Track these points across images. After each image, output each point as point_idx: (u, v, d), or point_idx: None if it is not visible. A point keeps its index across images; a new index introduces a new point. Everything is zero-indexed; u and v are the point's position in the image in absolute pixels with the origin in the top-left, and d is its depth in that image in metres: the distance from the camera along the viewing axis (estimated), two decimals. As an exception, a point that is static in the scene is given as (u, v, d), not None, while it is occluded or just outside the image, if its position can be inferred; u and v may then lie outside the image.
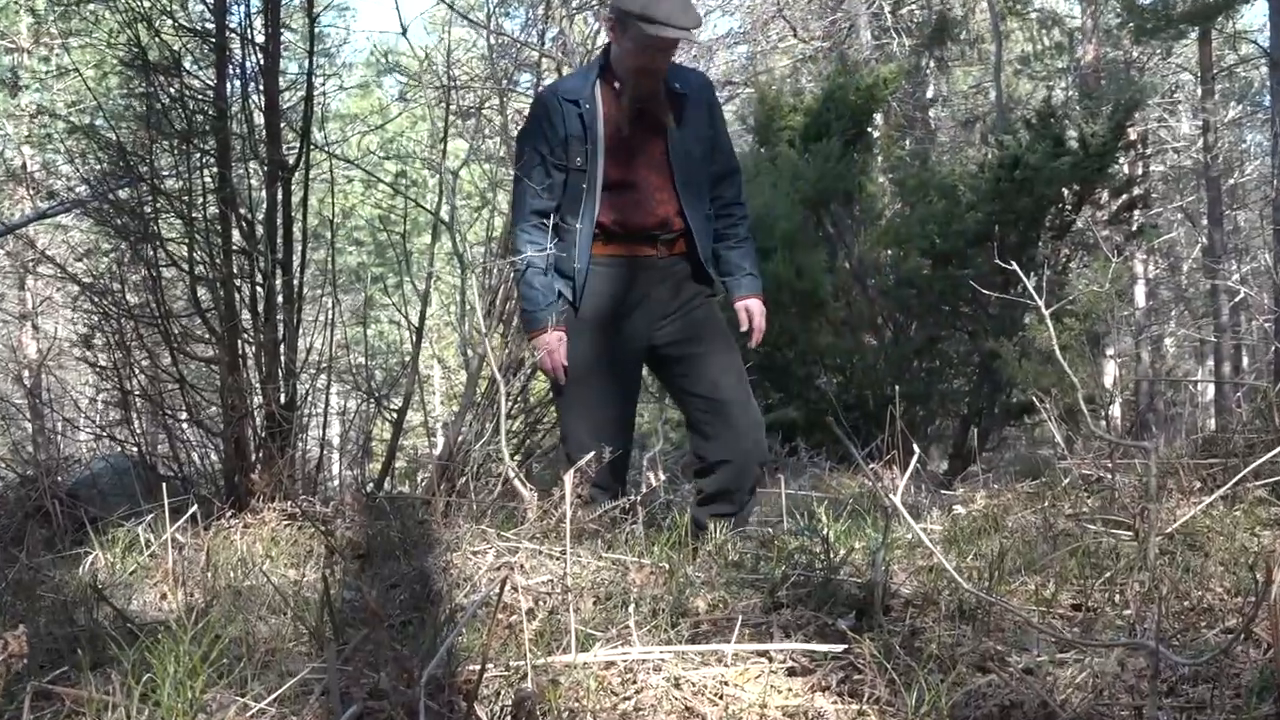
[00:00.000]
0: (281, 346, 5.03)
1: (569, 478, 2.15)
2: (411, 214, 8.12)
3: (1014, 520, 3.31)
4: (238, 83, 5.17)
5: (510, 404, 5.74)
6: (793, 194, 9.54)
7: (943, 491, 4.56)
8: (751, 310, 3.67)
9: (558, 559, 2.68)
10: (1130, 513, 3.04)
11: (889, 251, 9.92)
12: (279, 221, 5.12)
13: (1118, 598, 2.47)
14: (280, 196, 5.12)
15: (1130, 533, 2.94)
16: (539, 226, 3.49)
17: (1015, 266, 3.73)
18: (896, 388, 6.75)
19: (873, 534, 3.33)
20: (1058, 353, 3.55)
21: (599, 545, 2.90)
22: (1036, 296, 3.43)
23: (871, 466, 3.83)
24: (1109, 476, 3.61)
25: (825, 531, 2.70)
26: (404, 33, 9.88)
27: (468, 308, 5.64)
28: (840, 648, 2.15)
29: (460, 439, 5.04)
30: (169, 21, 5.14)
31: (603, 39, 5.25)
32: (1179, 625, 2.27)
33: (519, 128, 3.71)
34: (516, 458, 5.42)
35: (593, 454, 3.10)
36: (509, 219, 4.96)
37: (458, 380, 7.38)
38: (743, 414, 3.52)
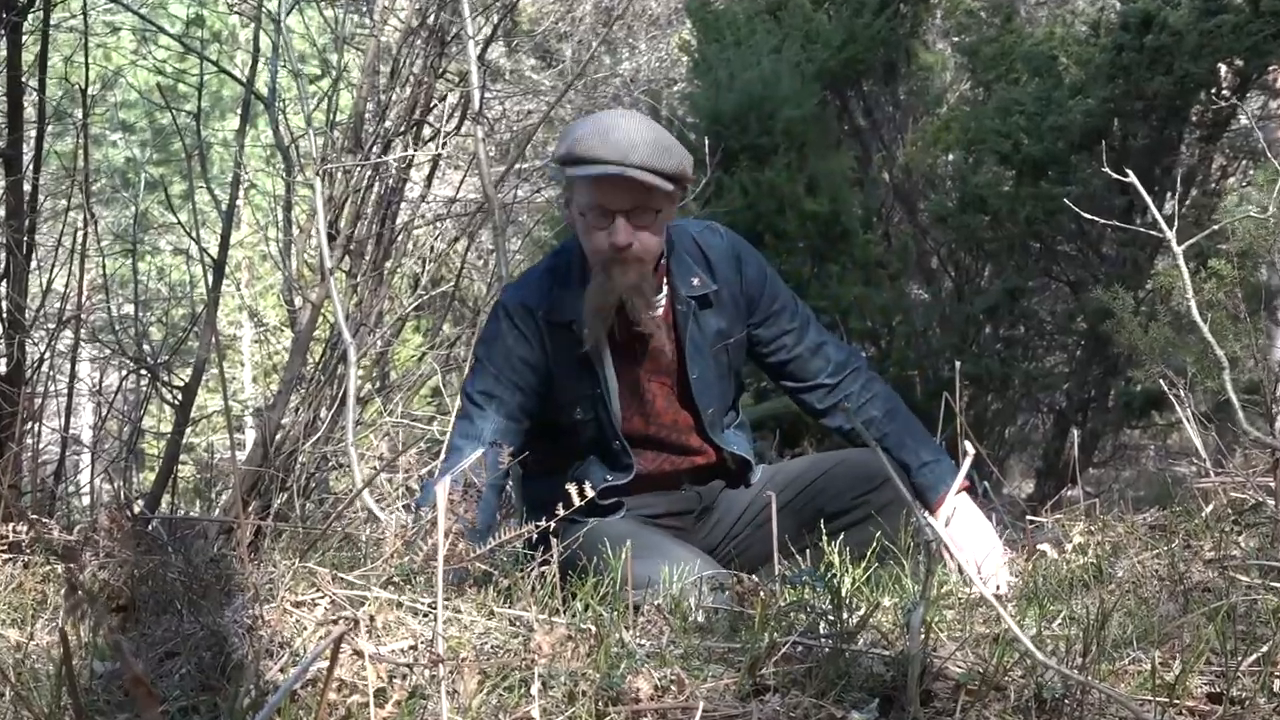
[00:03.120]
0: (2, 285, 4.99)
1: (442, 487, 2.15)
2: (212, 84, 8.03)
3: (1127, 567, 3.35)
4: None
5: (362, 379, 5.74)
6: (805, 64, 9.56)
7: (1025, 522, 4.61)
8: (973, 540, 3.83)
9: (426, 615, 2.69)
10: (1300, 557, 3.09)
11: (950, 156, 9.98)
12: (2, 92, 5.07)
13: (1278, 684, 2.51)
14: (4, 53, 5.07)
15: (1298, 586, 2.98)
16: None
17: (1135, 180, 3.76)
18: (959, 365, 6.80)
19: (909, 583, 3.36)
20: (1195, 313, 3.58)
21: (490, 595, 2.91)
22: (1166, 227, 3.47)
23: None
24: (1271, 504, 3.66)
25: (836, 578, 2.73)
26: None
27: (296, 230, 5.62)
28: (854, 752, 2.18)
29: (281, 434, 5.03)
30: None
31: None
32: (1364, 723, 2.31)
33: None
34: (369, 461, 5.42)
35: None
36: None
37: (279, 344, 7.35)
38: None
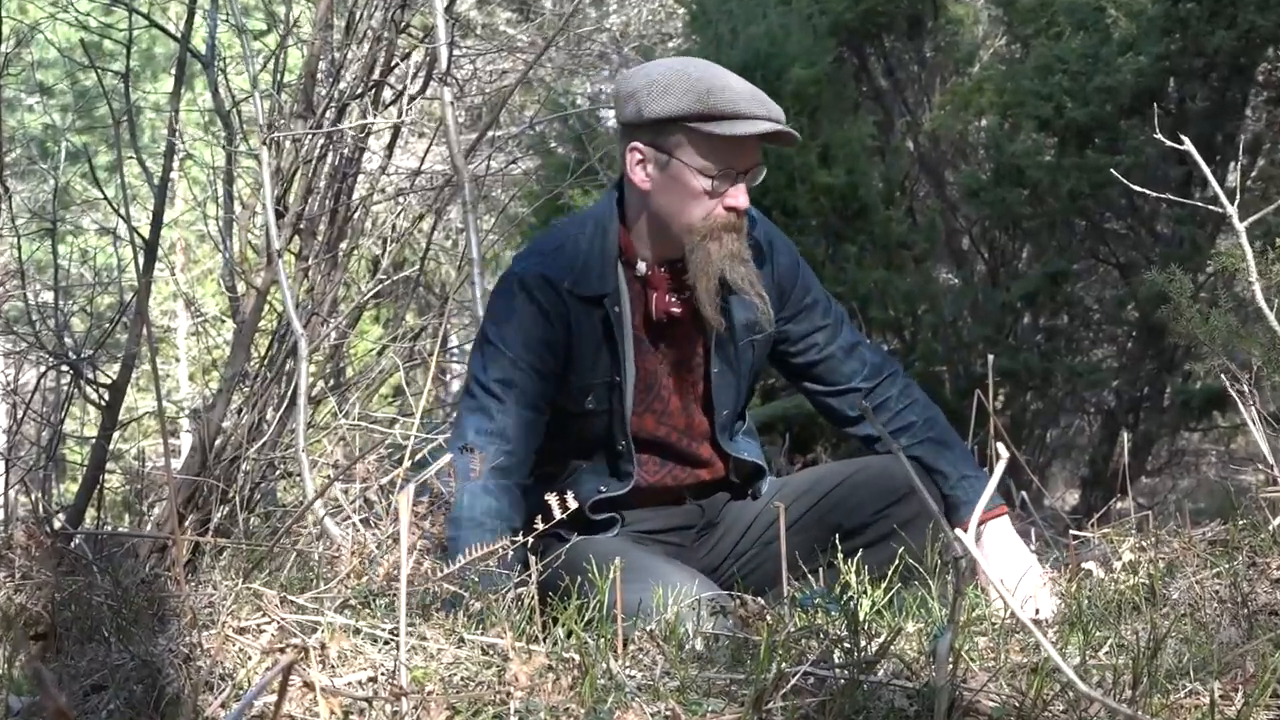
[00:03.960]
0: (-96, 270, 4.98)
1: (405, 496, 2.14)
2: (142, 40, 8.02)
3: (1183, 588, 3.35)
4: None
5: (314, 376, 5.73)
6: (817, 17, 9.56)
7: (1068, 538, 4.61)
8: (1009, 557, 3.87)
9: (387, 643, 2.68)
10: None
11: (983, 122, 9.98)
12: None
13: (1353, 718, 2.51)
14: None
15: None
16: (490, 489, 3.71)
17: (1192, 149, 3.75)
18: (992, 359, 6.81)
19: (936, 607, 3.36)
20: (1261, 299, 3.57)
21: (459, 620, 2.90)
22: (1229, 201, 3.45)
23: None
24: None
25: (853, 601, 2.73)
26: None
27: (239, 207, 5.61)
28: (874, 798, 2.17)
29: (222, 438, 5.02)
30: None
31: None
32: None
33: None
34: (322, 469, 5.42)
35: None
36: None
37: (220, 336, 7.36)
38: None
